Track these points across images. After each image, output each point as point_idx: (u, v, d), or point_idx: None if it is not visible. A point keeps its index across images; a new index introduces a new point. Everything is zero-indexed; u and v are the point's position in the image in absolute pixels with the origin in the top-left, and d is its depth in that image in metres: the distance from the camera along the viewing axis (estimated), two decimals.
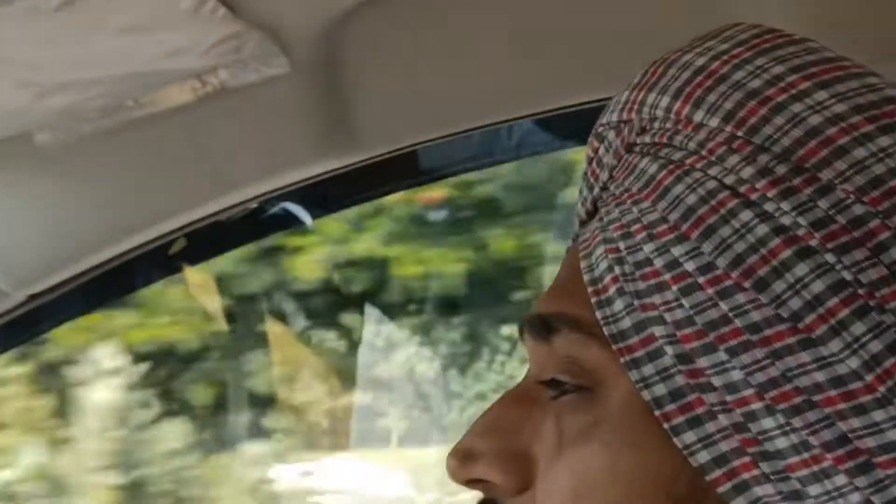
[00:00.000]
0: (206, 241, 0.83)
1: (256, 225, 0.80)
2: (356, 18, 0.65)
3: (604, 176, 0.45)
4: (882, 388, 0.37)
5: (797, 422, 0.38)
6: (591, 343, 0.41)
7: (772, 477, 0.39)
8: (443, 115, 0.70)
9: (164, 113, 0.64)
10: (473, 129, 0.68)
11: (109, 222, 0.72)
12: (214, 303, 1.75)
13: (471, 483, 0.44)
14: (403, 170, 0.75)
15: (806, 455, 0.38)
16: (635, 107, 0.43)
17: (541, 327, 0.44)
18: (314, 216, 0.81)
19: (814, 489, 0.38)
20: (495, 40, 0.68)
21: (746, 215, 0.39)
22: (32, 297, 0.75)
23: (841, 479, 0.38)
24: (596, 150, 0.46)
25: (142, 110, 0.63)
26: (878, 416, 0.37)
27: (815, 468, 0.38)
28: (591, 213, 0.46)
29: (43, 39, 0.56)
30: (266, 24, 0.60)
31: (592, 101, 0.67)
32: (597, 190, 0.45)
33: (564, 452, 0.43)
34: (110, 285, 0.84)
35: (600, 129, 0.46)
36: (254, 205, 0.69)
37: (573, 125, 0.75)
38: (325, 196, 0.76)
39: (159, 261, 0.84)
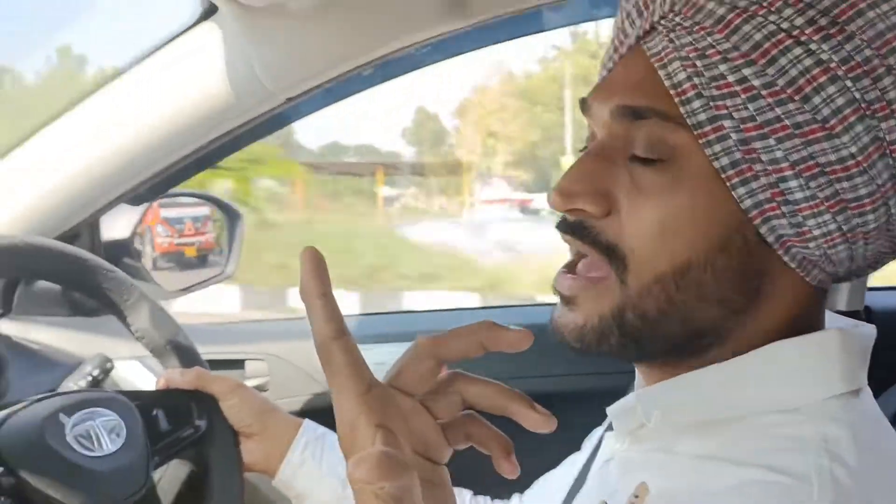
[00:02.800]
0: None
1: None
2: None
3: (660, 9, 0.53)
4: (864, 164, 0.49)
5: (812, 183, 0.50)
6: (678, 129, 0.52)
7: (787, 214, 0.51)
8: None
9: None
10: None
11: (334, 53, 1.03)
12: None
13: (570, 211, 0.56)
14: None
15: (812, 202, 0.51)
16: None
17: (629, 114, 0.54)
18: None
19: (810, 222, 0.51)
20: None
21: (797, 51, 0.49)
22: (289, 99, 1.09)
23: (827, 216, 0.51)
24: None
25: None
26: (858, 180, 0.50)
27: (815, 210, 0.51)
28: (647, 33, 0.54)
29: None
30: None
31: None
32: (654, 17, 0.53)
33: (650, 197, 0.53)
34: (335, 95, 1.21)
35: None
36: None
37: None
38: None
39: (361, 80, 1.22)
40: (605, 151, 0.55)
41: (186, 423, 0.90)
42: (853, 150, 0.49)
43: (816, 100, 0.49)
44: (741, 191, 0.51)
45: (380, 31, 0.99)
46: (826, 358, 0.55)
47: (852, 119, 0.49)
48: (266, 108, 1.09)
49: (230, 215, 1.44)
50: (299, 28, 0.98)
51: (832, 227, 0.51)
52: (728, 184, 0.51)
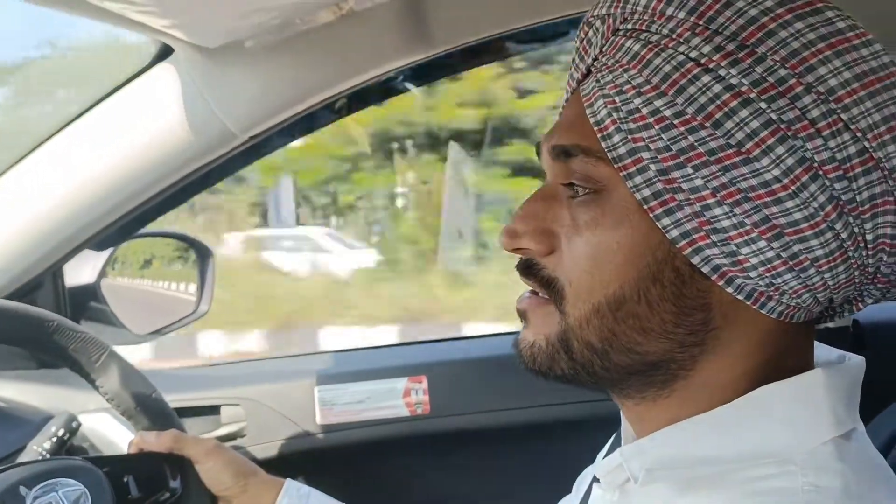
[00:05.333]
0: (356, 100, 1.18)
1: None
2: None
3: (593, 52, 0.55)
4: (793, 188, 0.48)
5: (737, 210, 0.49)
6: (599, 164, 0.53)
7: (718, 243, 0.50)
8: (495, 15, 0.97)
9: (315, 27, 0.93)
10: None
11: (295, 91, 1.01)
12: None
13: (516, 250, 0.58)
14: None
15: (741, 230, 0.50)
16: (619, 3, 0.54)
17: (560, 152, 0.56)
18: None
19: (744, 250, 0.50)
20: None
21: (706, 78, 0.49)
22: (252, 137, 1.06)
23: (762, 243, 0.50)
24: (586, 34, 0.56)
25: (305, 25, 0.92)
26: (789, 204, 0.48)
27: (746, 237, 0.50)
28: (585, 76, 0.56)
29: None
30: None
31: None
32: (589, 60, 0.55)
33: (583, 232, 0.55)
34: (301, 127, 1.20)
35: (590, 19, 0.56)
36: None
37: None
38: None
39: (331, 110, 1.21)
40: (549, 191, 0.57)
41: (160, 488, 0.87)
42: (776, 172, 0.48)
43: (728, 124, 0.48)
44: (666, 221, 0.51)
45: (340, 67, 0.97)
46: (813, 402, 0.53)
47: (770, 141, 0.48)
48: (229, 148, 1.06)
49: (201, 253, 1.40)
50: (257, 67, 0.96)
51: (770, 254, 0.50)
52: (652, 215, 0.51)
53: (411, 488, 1.28)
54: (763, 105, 0.48)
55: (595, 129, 0.53)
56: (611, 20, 0.54)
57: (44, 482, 0.77)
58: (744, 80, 0.48)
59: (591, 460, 0.77)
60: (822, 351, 0.59)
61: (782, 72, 0.48)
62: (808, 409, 0.53)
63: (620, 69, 0.52)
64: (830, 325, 0.58)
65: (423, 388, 1.22)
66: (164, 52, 0.99)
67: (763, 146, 0.48)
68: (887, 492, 0.53)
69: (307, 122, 1.23)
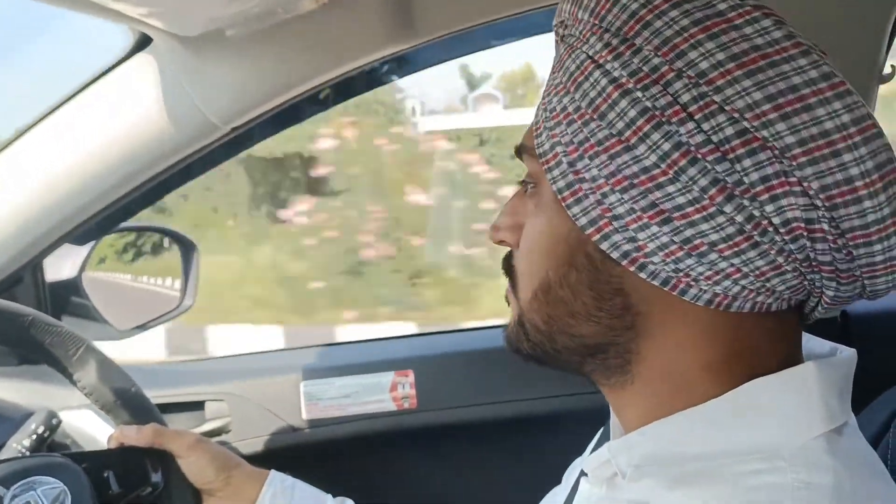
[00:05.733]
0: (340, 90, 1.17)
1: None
2: None
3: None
4: (671, 172, 0.49)
5: (626, 196, 0.51)
6: (533, 160, 0.57)
7: (619, 230, 0.52)
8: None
9: (298, 16, 0.92)
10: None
11: (277, 81, 1.00)
12: None
13: (498, 242, 0.63)
14: None
15: (633, 216, 0.51)
16: (560, 11, 0.57)
17: (517, 151, 0.61)
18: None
19: (640, 235, 0.52)
20: None
21: (596, 74, 0.52)
22: (234, 128, 1.05)
23: (654, 228, 0.51)
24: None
25: (287, 14, 0.90)
26: (670, 189, 0.49)
27: (640, 223, 0.51)
28: None
29: None
30: None
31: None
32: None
33: (527, 223, 0.60)
34: (286, 119, 1.18)
35: (553, 27, 0.59)
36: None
37: None
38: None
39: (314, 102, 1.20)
40: (523, 189, 0.62)
41: (141, 482, 0.85)
42: (653, 158, 0.49)
43: (611, 115, 0.50)
44: (575, 210, 0.54)
45: (323, 56, 0.95)
46: (805, 396, 0.52)
47: (647, 128, 0.49)
48: (211, 140, 1.05)
49: (185, 246, 1.38)
50: (239, 57, 0.94)
51: (664, 239, 0.51)
52: (564, 204, 0.54)
53: (399, 482, 1.27)
54: (639, 94, 0.49)
55: (533, 128, 0.57)
56: (559, 28, 0.57)
57: (21, 480, 0.76)
58: (623, 72, 0.50)
59: (579, 452, 0.77)
60: (813, 343, 0.59)
61: (656, 60, 0.49)
62: (799, 403, 0.52)
63: (552, 73, 0.56)
64: (819, 315, 0.57)
65: (410, 381, 1.21)
66: (143, 42, 0.98)
67: (640, 133, 0.49)
68: (878, 488, 0.52)
69: (291, 113, 1.22)
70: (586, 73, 0.52)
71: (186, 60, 0.94)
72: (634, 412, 0.58)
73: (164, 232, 1.40)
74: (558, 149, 0.54)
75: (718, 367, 0.54)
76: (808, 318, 0.57)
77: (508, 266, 0.62)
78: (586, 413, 0.89)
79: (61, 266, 1.25)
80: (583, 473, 0.66)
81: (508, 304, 0.64)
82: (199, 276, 1.36)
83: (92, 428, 1.12)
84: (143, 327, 1.33)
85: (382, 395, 1.21)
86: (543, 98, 0.57)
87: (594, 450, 0.65)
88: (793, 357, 0.55)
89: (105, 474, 0.83)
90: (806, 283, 0.52)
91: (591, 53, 0.52)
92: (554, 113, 0.54)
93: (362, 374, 1.21)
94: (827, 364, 0.54)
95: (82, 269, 1.28)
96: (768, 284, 0.52)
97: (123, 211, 1.20)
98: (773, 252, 0.50)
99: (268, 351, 1.35)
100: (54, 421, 0.97)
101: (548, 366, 0.61)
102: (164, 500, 0.86)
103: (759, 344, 0.54)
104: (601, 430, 0.74)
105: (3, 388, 1.14)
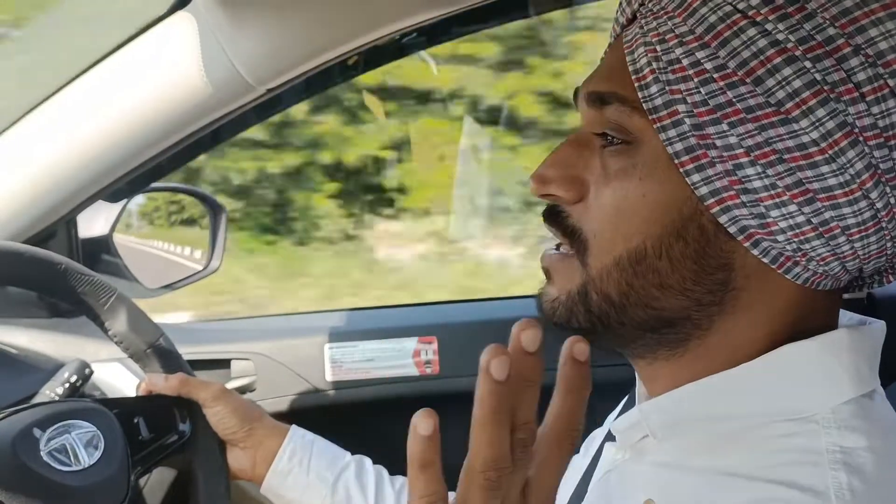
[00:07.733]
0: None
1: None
2: None
3: None
4: (830, 152, 0.46)
5: (770, 171, 0.48)
6: (634, 114, 0.52)
7: (747, 204, 0.49)
8: None
9: None
10: None
11: (315, 43, 0.98)
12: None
13: (544, 196, 0.57)
14: None
15: (773, 192, 0.48)
16: None
17: (596, 99, 0.54)
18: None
19: (773, 213, 0.49)
20: None
21: (752, 31, 0.47)
22: (270, 90, 1.05)
23: (792, 207, 0.48)
24: None
25: None
26: (824, 169, 0.47)
27: (777, 200, 0.48)
28: (630, 22, 0.55)
29: None
30: None
31: None
32: (635, 5, 0.54)
33: (611, 182, 0.53)
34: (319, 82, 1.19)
35: None
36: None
37: None
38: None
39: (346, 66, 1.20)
40: (582, 139, 0.56)
41: (169, 430, 0.88)
42: (814, 135, 0.46)
43: (770, 82, 0.46)
44: (695, 177, 0.49)
45: (362, 19, 0.95)
46: (835, 361, 0.52)
47: (812, 102, 0.46)
48: (246, 101, 1.05)
49: (213, 209, 1.39)
50: (277, 17, 0.94)
51: (800, 219, 0.48)
52: (682, 170, 0.50)
53: None
54: (808, 64, 0.46)
55: (633, 77, 0.51)
56: None
57: (57, 423, 0.78)
58: (790, 37, 0.46)
59: (598, 423, 0.77)
60: (842, 317, 0.59)
61: (831, 30, 0.46)
62: (831, 367, 0.52)
63: (665, 16, 0.50)
64: (846, 295, 0.57)
65: (433, 348, 1.22)
66: (183, 1, 0.98)
67: (804, 107, 0.46)
68: None
69: (324, 78, 1.23)
70: (736, 27, 0.47)
71: (225, 19, 0.95)
72: (668, 382, 0.57)
73: (194, 193, 1.41)
74: (679, 107, 0.49)
75: (773, 338, 0.53)
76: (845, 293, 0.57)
77: (567, 226, 0.56)
78: (608, 384, 0.89)
79: (94, 223, 1.27)
80: (607, 439, 0.66)
81: (547, 277, 0.59)
82: (226, 238, 1.38)
83: (120, 381, 1.15)
84: (170, 287, 1.34)
85: (405, 360, 1.22)
86: (650, 42, 0.51)
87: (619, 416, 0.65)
88: (831, 327, 0.55)
89: (135, 420, 0.85)
90: (887, 264, 0.54)
91: (742, 7, 0.47)
92: (678, 66, 0.49)
93: (386, 339, 1.22)
94: (858, 332, 0.54)
95: (114, 227, 1.30)
96: (866, 266, 0.52)
97: (155, 170, 1.22)
98: (887, 237, 0.50)
99: (294, 313, 1.37)
100: (87, 371, 0.99)
101: (596, 341, 0.55)
102: (191, 449, 0.88)
103: (816, 316, 0.54)
104: (624, 399, 0.74)
105: (35, 340, 1.16)
